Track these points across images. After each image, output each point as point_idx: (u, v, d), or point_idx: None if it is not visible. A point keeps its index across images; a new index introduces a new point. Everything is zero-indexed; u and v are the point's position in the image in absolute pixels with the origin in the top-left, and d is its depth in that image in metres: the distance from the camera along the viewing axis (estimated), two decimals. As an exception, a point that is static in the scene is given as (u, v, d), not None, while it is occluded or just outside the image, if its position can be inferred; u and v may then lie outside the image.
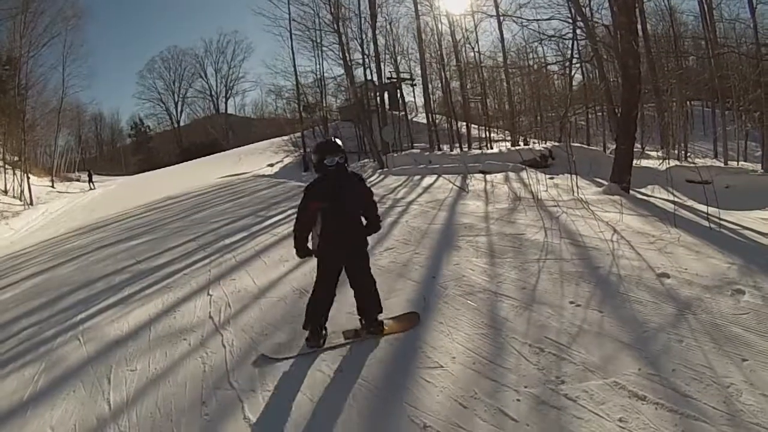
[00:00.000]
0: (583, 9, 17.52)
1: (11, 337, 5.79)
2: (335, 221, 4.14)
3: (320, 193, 4.11)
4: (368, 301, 4.33)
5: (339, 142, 4.27)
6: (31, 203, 27.48)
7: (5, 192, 27.75)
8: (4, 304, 7.39)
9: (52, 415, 3.85)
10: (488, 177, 13.26)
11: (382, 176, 17.27)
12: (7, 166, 29.13)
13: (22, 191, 28.16)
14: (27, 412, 3.95)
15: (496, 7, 22.53)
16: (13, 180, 28.54)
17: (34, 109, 34.12)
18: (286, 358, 4.13)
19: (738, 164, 15.88)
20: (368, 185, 4.44)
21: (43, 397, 4.17)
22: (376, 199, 4.50)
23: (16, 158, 29.95)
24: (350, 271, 4.31)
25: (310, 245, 4.27)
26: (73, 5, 36.35)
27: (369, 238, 4.43)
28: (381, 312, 4.36)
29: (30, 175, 29.73)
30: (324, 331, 4.27)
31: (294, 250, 4.28)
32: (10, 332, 5.98)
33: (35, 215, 23.35)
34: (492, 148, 22.36)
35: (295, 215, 4.23)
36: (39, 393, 4.25)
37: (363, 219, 4.38)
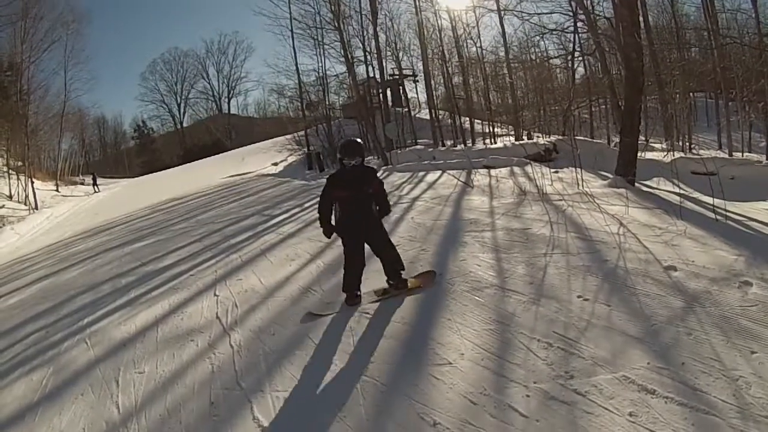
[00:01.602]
0: (585, 2, 17.42)
1: (19, 342, 5.82)
2: (350, 209, 4.92)
3: (340, 183, 4.88)
4: (392, 264, 5.08)
5: (360, 142, 5.15)
6: (36, 208, 27.51)
7: (10, 197, 27.81)
8: (10, 309, 7.43)
9: (61, 419, 3.87)
10: (493, 172, 13.23)
11: (386, 173, 17.23)
12: (11, 171, 29.20)
13: (26, 196, 28.20)
14: (36, 417, 3.97)
15: (497, 1, 22.42)
16: (18, 185, 28.58)
17: (36, 114, 34.10)
18: (330, 314, 4.85)
19: (743, 155, 15.76)
20: (380, 179, 5.10)
21: (51, 401, 4.19)
22: (388, 188, 5.21)
23: (20, 163, 30.03)
24: (371, 244, 5.05)
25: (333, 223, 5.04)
26: (72, 10, 36.33)
27: None
28: (403, 269, 5.15)
29: (34, 180, 29.73)
30: (359, 292, 5.06)
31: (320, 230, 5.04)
32: (18, 337, 6.02)
33: (40, 219, 23.40)
34: (496, 143, 22.31)
35: (318, 199, 5.04)
36: (47, 397, 4.27)
37: (375, 206, 5.07)
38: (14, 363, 5.15)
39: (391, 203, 5.34)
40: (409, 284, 5.13)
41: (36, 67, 33.00)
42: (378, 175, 5.17)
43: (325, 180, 5.07)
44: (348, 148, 4.93)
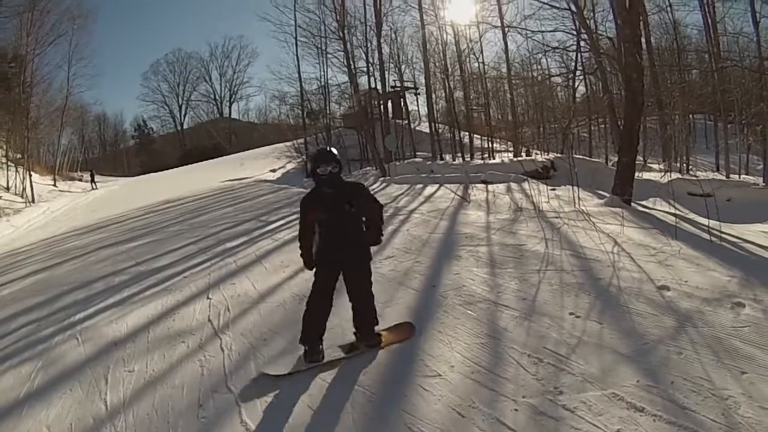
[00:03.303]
0: (588, 21, 17.59)
1: (9, 334, 5.78)
2: (331, 232, 4.09)
3: (314, 204, 4.10)
4: (365, 316, 4.25)
5: (334, 151, 4.15)
6: (33, 201, 27.46)
7: (7, 189, 27.74)
8: (2, 301, 7.39)
9: (48, 413, 3.84)
10: (490, 187, 13.26)
11: (384, 184, 17.28)
12: (10, 163, 29.16)
13: (24, 189, 28.17)
14: (23, 410, 3.94)
15: (501, 18, 22.64)
16: (16, 177, 28.55)
17: (38, 107, 34.09)
18: (287, 375, 3.95)
19: (740, 177, 15.90)
20: (372, 195, 4.37)
21: (39, 395, 4.16)
22: (386, 213, 4.34)
23: (19, 155, 30.00)
24: (349, 283, 4.21)
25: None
26: (79, 5, 36.35)
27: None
28: (377, 324, 4.30)
29: (32, 173, 29.70)
30: (321, 346, 4.12)
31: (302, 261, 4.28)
32: (8, 329, 5.98)
33: (36, 213, 23.35)
34: (494, 159, 22.42)
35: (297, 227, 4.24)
36: (35, 391, 4.24)
37: (365, 229, 4.27)
38: (3, 355, 5.11)
39: (383, 233, 4.47)
40: (382, 339, 4.28)
41: (40, 60, 33.15)
42: (368, 191, 4.38)
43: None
44: (321, 154, 4.12)
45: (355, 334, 4.30)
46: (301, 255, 4.23)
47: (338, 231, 4.09)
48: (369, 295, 4.26)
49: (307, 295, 4.27)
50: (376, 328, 4.30)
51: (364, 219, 4.24)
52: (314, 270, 4.21)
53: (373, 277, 4.35)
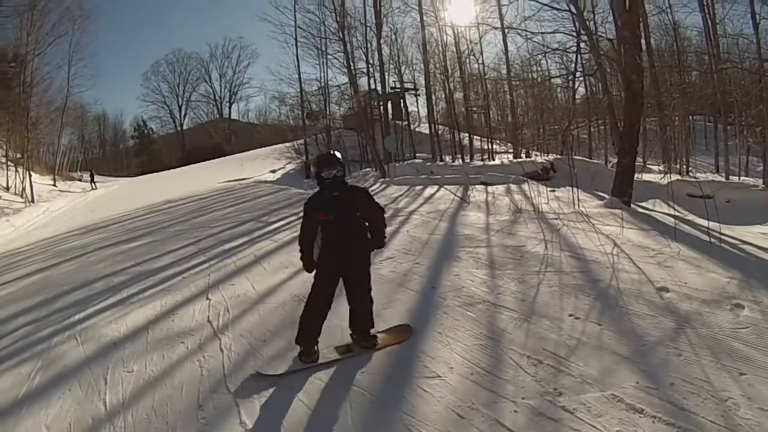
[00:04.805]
0: (588, 23, 17.57)
1: (8, 335, 5.77)
2: (334, 234, 4.11)
3: (318, 206, 4.13)
4: (362, 318, 4.31)
5: (338, 155, 4.26)
6: (33, 201, 27.51)
7: (7, 189, 27.78)
8: (1, 301, 7.38)
9: (47, 413, 3.83)
10: (490, 188, 13.25)
11: (383, 185, 17.29)
12: (9, 163, 29.17)
13: (23, 189, 28.20)
14: (22, 410, 3.93)
15: (501, 19, 22.60)
16: (15, 177, 28.57)
17: (38, 107, 34.16)
18: (280, 375, 4.00)
19: (739, 179, 15.91)
20: (374, 199, 4.36)
21: (38, 395, 4.15)
22: (386, 215, 4.43)
23: (18, 155, 30.00)
24: (348, 286, 4.26)
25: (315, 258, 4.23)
26: (80, 5, 36.55)
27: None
28: (373, 326, 4.34)
29: (32, 173, 29.75)
30: (316, 347, 4.16)
31: (301, 263, 4.28)
32: (7, 329, 5.96)
33: (36, 213, 23.36)
34: (494, 160, 22.44)
35: (300, 228, 4.24)
36: (35, 391, 4.23)
37: (368, 233, 4.29)
38: (2, 355, 5.10)
39: (386, 236, 4.49)
40: (379, 341, 4.30)
41: (40, 60, 33.24)
42: (370, 194, 4.40)
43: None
44: (325, 157, 4.23)
45: (351, 336, 4.36)
46: (301, 257, 4.24)
47: (341, 234, 4.11)
48: (368, 298, 4.30)
49: (306, 296, 4.29)
50: (373, 330, 4.33)
51: (366, 223, 4.26)
52: (314, 272, 4.23)
53: (372, 278, 4.38)
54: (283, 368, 4.07)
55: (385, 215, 4.37)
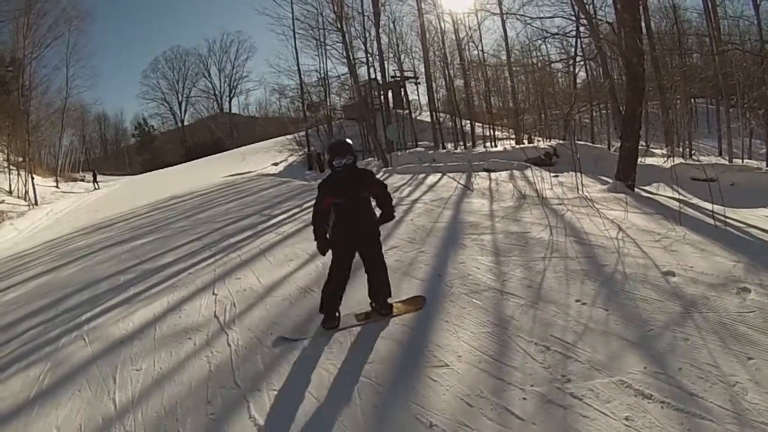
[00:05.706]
0: (587, 6, 17.41)
1: (16, 338, 5.80)
2: (347, 214, 4.43)
3: (332, 189, 4.42)
4: (379, 286, 4.63)
5: (349, 142, 4.60)
6: (36, 203, 27.50)
7: (10, 192, 27.82)
8: (8, 305, 7.41)
9: (58, 414, 3.86)
10: (493, 175, 13.24)
11: (386, 174, 17.26)
12: (11, 166, 29.21)
13: (26, 192, 28.22)
14: (33, 412, 3.96)
15: (500, 4, 22.48)
16: (18, 180, 28.63)
17: (38, 109, 34.22)
18: (303, 338, 4.42)
19: (743, 162, 15.80)
20: (379, 179, 4.72)
21: (48, 396, 4.17)
22: (389, 191, 4.73)
23: (20, 159, 30.04)
24: (365, 258, 4.61)
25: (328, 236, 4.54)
26: (75, 6, 36.49)
27: None
28: (390, 296, 4.68)
29: (34, 176, 29.76)
30: (338, 314, 4.59)
31: (314, 244, 4.59)
32: (15, 332, 5.99)
33: (40, 215, 23.36)
34: (496, 147, 22.36)
35: (312, 210, 4.58)
36: (44, 392, 4.26)
37: (377, 210, 4.67)
38: (11, 358, 5.14)
39: (395, 209, 4.79)
40: (394, 309, 4.66)
41: (38, 63, 33.25)
42: (377, 176, 4.76)
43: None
44: (337, 146, 4.48)
45: (370, 304, 4.71)
46: (315, 239, 4.55)
47: (354, 213, 4.46)
48: (383, 268, 4.67)
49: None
50: (390, 299, 4.69)
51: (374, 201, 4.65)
52: (331, 250, 4.57)
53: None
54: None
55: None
